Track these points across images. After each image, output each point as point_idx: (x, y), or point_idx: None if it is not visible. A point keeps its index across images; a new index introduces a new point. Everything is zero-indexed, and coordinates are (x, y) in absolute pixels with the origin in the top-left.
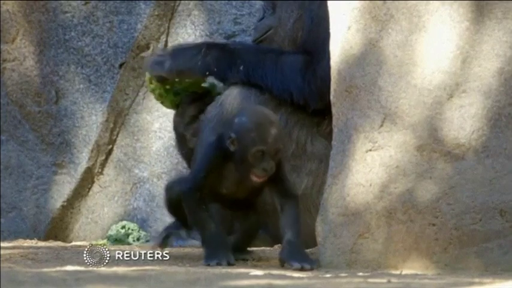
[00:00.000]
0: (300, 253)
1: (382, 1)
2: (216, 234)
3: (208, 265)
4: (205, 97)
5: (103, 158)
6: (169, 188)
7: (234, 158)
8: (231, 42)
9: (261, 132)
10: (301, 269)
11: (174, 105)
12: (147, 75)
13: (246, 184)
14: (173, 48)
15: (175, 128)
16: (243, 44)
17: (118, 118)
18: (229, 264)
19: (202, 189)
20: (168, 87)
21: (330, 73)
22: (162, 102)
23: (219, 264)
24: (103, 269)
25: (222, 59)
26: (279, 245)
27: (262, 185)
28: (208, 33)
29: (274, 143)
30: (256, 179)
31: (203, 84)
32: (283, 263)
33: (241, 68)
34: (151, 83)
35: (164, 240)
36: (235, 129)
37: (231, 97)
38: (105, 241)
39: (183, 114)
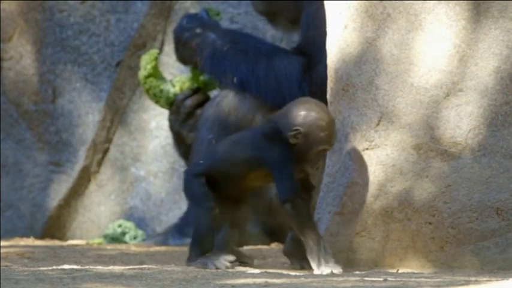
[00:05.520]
0: (302, 252)
1: (378, 0)
2: None
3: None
4: (199, 93)
5: (100, 156)
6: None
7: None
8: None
9: (330, 132)
10: (301, 269)
11: (169, 104)
12: (141, 75)
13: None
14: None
15: (171, 126)
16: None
17: (115, 117)
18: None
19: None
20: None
21: (325, 78)
22: (156, 102)
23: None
24: (100, 268)
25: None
26: (276, 243)
27: None
28: None
29: (334, 144)
30: (304, 174)
31: None
32: (287, 256)
33: (234, 79)
34: (145, 83)
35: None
36: (305, 124)
37: (228, 98)
38: (101, 240)
39: (177, 111)
